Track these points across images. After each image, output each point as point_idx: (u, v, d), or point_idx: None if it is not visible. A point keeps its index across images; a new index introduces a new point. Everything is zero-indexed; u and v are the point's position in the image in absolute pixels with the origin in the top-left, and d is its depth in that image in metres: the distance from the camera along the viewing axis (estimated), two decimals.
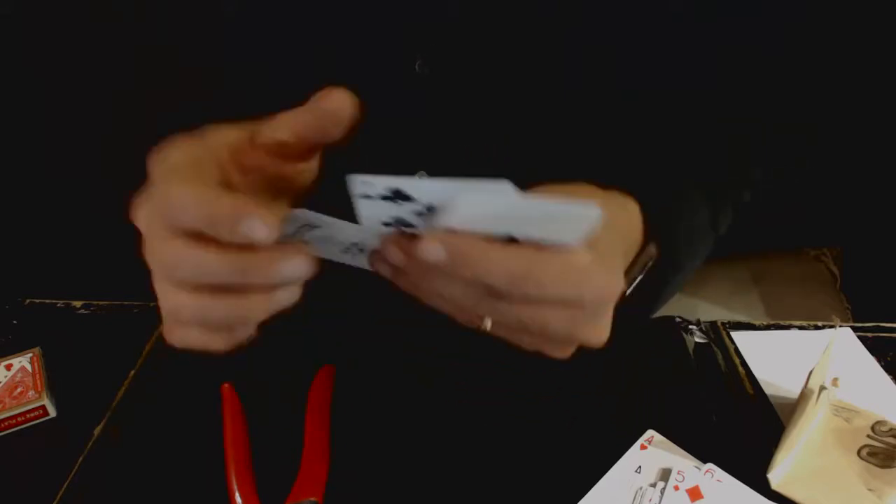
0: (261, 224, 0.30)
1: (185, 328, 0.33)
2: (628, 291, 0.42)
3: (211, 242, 0.30)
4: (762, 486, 0.43)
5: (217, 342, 0.34)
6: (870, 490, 0.43)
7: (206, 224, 0.30)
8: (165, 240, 0.31)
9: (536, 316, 0.32)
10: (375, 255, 0.34)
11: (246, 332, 0.34)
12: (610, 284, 0.33)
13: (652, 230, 0.42)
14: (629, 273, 0.42)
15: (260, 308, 0.32)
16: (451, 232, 0.30)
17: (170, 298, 0.32)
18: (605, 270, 0.33)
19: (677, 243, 0.47)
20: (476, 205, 0.30)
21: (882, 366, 0.54)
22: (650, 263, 0.43)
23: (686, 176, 0.51)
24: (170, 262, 0.31)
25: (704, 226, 0.52)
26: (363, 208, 0.31)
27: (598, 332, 0.34)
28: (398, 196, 0.30)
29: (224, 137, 0.34)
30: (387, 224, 0.32)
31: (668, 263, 0.45)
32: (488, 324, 0.34)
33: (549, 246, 0.31)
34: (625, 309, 0.41)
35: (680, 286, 0.55)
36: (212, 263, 0.30)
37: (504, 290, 0.31)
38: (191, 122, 0.35)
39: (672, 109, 0.55)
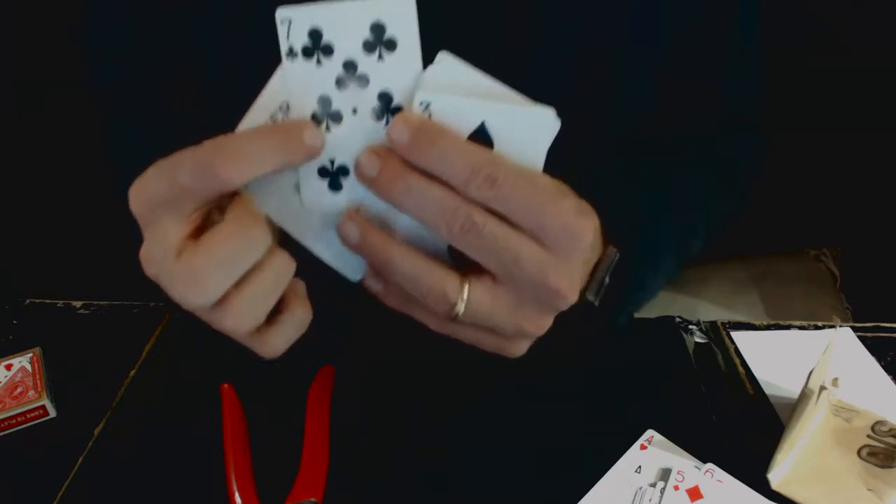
0: (313, 128, 0.33)
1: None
2: (599, 295, 0.42)
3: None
4: (762, 486, 0.44)
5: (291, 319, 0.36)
6: (870, 490, 0.43)
7: (280, 149, 0.32)
8: (199, 243, 0.32)
9: (508, 244, 0.32)
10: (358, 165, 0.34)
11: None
12: (576, 222, 0.33)
13: (610, 235, 0.42)
14: (595, 275, 0.42)
15: (287, 266, 0.34)
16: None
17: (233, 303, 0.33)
18: (572, 204, 0.33)
19: (640, 251, 0.46)
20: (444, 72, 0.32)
21: (882, 366, 0.54)
22: (614, 262, 0.42)
23: (647, 197, 0.52)
24: (227, 250, 0.32)
25: (668, 239, 0.52)
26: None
27: (570, 282, 0.34)
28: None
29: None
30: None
31: (632, 266, 0.44)
32: (461, 307, 0.34)
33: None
34: (591, 312, 0.41)
35: (642, 302, 0.55)
36: (255, 227, 0.32)
37: (463, 186, 0.32)
38: (192, 123, 0.35)
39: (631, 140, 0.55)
